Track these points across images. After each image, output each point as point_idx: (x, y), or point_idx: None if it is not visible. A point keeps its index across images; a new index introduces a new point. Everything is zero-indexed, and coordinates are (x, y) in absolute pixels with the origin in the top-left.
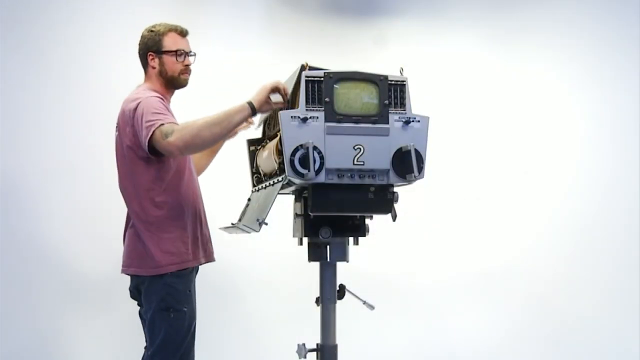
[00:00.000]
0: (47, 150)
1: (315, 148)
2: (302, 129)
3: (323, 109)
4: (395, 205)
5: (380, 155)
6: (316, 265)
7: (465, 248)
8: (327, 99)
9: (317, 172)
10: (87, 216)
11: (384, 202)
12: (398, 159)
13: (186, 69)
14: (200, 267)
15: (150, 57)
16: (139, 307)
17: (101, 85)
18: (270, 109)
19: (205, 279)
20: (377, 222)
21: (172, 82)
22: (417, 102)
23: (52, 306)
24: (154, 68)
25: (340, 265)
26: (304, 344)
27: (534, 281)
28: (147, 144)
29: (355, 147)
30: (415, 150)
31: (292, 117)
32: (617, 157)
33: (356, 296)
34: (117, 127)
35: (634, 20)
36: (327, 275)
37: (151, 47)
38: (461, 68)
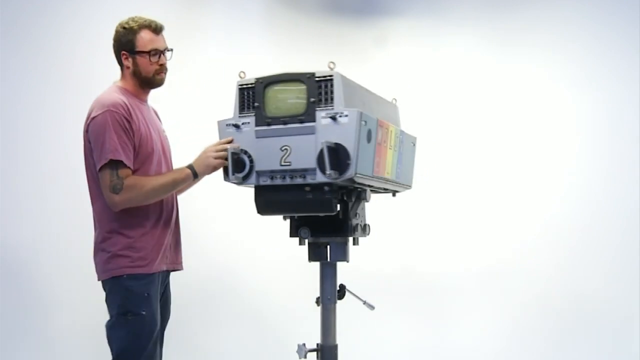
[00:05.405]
0: (45, 150)
1: (245, 152)
2: (237, 135)
3: (254, 114)
4: (369, 205)
5: (306, 154)
6: (316, 265)
7: (465, 248)
8: (256, 104)
9: (248, 175)
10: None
11: (322, 200)
12: (320, 157)
13: (161, 69)
14: (198, 268)
15: (124, 57)
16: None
17: (101, 86)
18: (211, 172)
19: (205, 279)
20: (377, 222)
21: (147, 83)
22: (418, 102)
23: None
24: (128, 68)
25: (340, 265)
26: (304, 344)
27: (535, 280)
28: (98, 168)
29: (282, 148)
30: (337, 144)
31: (227, 125)
32: (616, 156)
33: (356, 296)
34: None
35: (634, 20)
36: (327, 275)
37: (124, 45)
38: (461, 68)
